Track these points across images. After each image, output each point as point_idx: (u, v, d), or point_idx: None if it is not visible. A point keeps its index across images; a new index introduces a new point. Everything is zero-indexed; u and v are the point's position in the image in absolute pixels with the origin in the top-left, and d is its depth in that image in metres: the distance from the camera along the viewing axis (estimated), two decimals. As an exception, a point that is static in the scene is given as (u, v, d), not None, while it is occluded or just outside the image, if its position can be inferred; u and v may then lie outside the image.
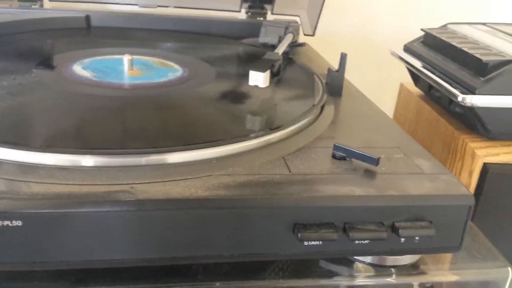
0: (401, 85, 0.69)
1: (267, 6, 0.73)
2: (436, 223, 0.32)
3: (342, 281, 0.36)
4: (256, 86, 0.49)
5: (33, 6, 0.66)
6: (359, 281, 0.36)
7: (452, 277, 0.38)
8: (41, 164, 0.31)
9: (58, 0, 0.67)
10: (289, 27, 0.66)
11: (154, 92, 0.43)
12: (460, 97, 0.47)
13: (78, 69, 0.47)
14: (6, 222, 0.27)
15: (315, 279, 0.35)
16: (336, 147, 0.36)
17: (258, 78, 0.45)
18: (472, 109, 0.48)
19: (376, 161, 0.34)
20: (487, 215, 0.50)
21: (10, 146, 0.31)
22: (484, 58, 0.48)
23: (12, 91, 0.42)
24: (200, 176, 0.31)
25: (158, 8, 0.69)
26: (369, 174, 0.34)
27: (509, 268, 0.38)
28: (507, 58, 0.48)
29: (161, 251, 0.30)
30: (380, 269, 0.37)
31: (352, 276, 0.36)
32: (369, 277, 0.36)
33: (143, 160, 0.32)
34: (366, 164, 0.35)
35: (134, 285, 0.32)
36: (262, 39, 0.66)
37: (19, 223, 0.27)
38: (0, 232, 0.27)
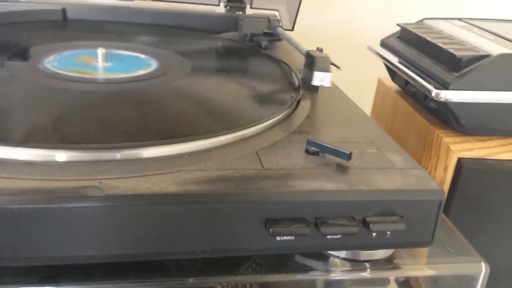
0: (379, 80, 0.69)
1: (246, 0, 0.72)
2: (407, 218, 0.33)
3: (318, 275, 0.36)
4: (232, 80, 0.49)
5: (7, -1, 0.64)
6: (335, 275, 0.36)
7: (427, 272, 0.38)
8: (7, 159, 0.30)
9: (33, -8, 0.66)
10: (271, 21, 0.66)
11: (128, 87, 0.43)
12: (434, 92, 0.47)
13: (51, 62, 0.46)
14: (-29, 218, 0.26)
15: (291, 274, 0.35)
16: (309, 142, 0.36)
17: (325, 78, 0.45)
18: (446, 104, 0.48)
19: (348, 156, 0.34)
20: (462, 210, 0.50)
21: (-24, 141, 0.31)
22: (458, 53, 0.48)
23: (-18, 84, 0.41)
24: (171, 171, 0.31)
25: (136, 1, 0.69)
26: (341, 169, 0.34)
27: (482, 263, 0.38)
28: (481, 53, 0.48)
29: (132, 247, 0.30)
30: (355, 263, 0.37)
31: (327, 271, 0.36)
32: (344, 271, 0.37)
33: (113, 155, 0.32)
34: (339, 159, 0.35)
35: (105, 281, 0.32)
36: (241, 32, 0.66)
37: (-16, 219, 0.27)
38: (-36, 228, 0.27)
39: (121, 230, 0.29)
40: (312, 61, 0.47)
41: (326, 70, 0.45)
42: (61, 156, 0.31)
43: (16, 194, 0.27)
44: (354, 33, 0.89)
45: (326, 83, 0.46)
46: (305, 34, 0.72)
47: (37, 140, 0.32)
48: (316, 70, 0.45)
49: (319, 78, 0.45)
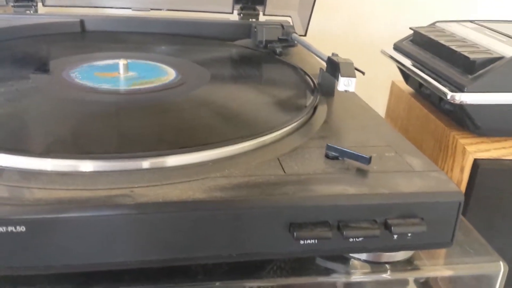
0: (393, 83, 0.70)
1: (259, 7, 0.73)
2: (428, 220, 0.33)
3: (338, 278, 0.37)
4: (250, 87, 0.50)
5: (27, 12, 0.66)
6: (355, 277, 0.37)
7: (446, 272, 0.39)
8: (43, 170, 0.31)
9: (52, 5, 0.67)
10: (284, 27, 0.67)
11: (150, 97, 0.44)
12: (449, 95, 0.48)
13: (75, 74, 0.48)
14: (10, 228, 0.28)
15: (312, 277, 0.36)
16: (328, 147, 0.37)
17: (349, 83, 0.46)
18: (461, 107, 0.49)
19: (368, 160, 0.35)
20: (479, 210, 0.51)
21: (11, 152, 0.32)
22: (472, 56, 0.49)
23: (10, 97, 0.42)
24: (197, 178, 0.32)
25: (151, 11, 0.70)
26: (361, 173, 0.35)
27: (501, 263, 0.39)
28: (494, 55, 0.49)
29: (161, 253, 0.31)
30: (376, 265, 0.38)
31: (348, 273, 0.37)
32: (365, 273, 0.37)
33: (142, 164, 0.33)
34: (358, 163, 0.36)
35: (135, 286, 0.33)
36: (255, 39, 0.67)
37: (22, 228, 0.28)
38: (4, 237, 0.28)
39: (151, 237, 0.30)
40: (335, 67, 0.47)
41: (351, 75, 0.46)
42: (92, 166, 0.32)
43: (52, 204, 0.29)
44: (365, 36, 0.90)
45: (351, 88, 0.46)
46: (316, 38, 0.72)
47: (69, 151, 0.33)
48: (341, 76, 0.46)
49: (344, 84, 0.46)
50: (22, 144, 0.35)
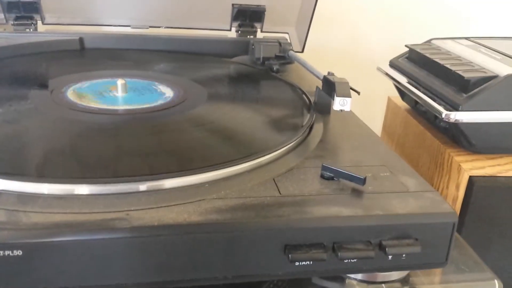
0: (389, 99, 0.70)
1: (257, 24, 0.74)
2: (422, 240, 0.34)
3: (335, 297, 0.37)
4: (246, 106, 0.51)
5: (27, 30, 0.67)
6: (352, 297, 0.37)
7: (441, 290, 0.39)
8: (39, 194, 0.32)
9: (52, 23, 0.68)
10: (282, 44, 0.68)
11: (147, 117, 0.45)
12: (444, 114, 0.48)
13: (73, 94, 0.48)
14: (7, 252, 0.28)
15: (308, 296, 0.37)
16: (324, 168, 0.37)
17: (345, 103, 0.46)
18: (456, 125, 0.49)
19: (362, 181, 0.36)
20: (474, 228, 0.51)
21: (8, 177, 0.32)
22: (466, 75, 0.49)
23: (8, 118, 0.43)
24: (193, 200, 0.33)
25: (150, 28, 0.71)
26: (356, 194, 0.35)
27: (496, 281, 0.39)
28: (489, 74, 0.49)
29: (157, 275, 0.31)
30: (371, 284, 0.38)
31: (344, 293, 0.37)
32: (361, 293, 0.38)
33: (138, 187, 0.33)
34: (354, 183, 0.36)
35: (131, 308, 0.33)
36: (253, 56, 0.67)
37: (19, 252, 0.28)
38: (1, 262, 0.28)
39: (147, 259, 0.30)
40: (331, 86, 0.48)
41: (347, 95, 0.46)
42: (88, 189, 0.32)
43: (48, 228, 0.29)
44: (362, 51, 0.90)
45: (347, 108, 0.47)
46: (313, 54, 0.73)
47: (66, 175, 0.34)
48: (336, 96, 0.46)
49: (340, 103, 0.46)
50: (19, 168, 0.35)
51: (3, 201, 0.31)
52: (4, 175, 0.32)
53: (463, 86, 0.50)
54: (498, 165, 0.51)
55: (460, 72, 0.50)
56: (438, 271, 0.41)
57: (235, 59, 0.68)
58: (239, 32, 0.74)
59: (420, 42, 0.65)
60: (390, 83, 0.65)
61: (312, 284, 0.38)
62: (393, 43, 0.82)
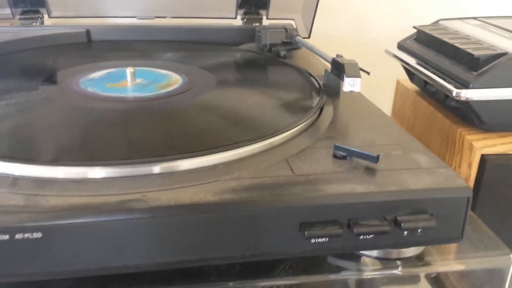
0: (398, 82, 0.70)
1: (262, 12, 0.74)
2: (437, 215, 0.34)
3: (350, 275, 0.37)
4: (256, 90, 0.51)
5: (33, 24, 0.67)
6: (367, 274, 0.37)
7: (456, 267, 0.39)
8: (56, 178, 0.32)
9: (58, 16, 0.68)
10: (288, 30, 0.68)
11: (159, 103, 0.45)
12: (455, 92, 0.48)
13: (83, 83, 0.48)
14: (27, 235, 0.28)
15: (324, 275, 0.37)
16: (336, 147, 0.37)
17: (355, 84, 0.46)
18: (467, 103, 0.49)
19: (376, 159, 0.36)
20: (487, 205, 0.51)
21: (25, 162, 0.33)
22: (476, 53, 0.49)
23: (22, 108, 0.43)
24: (208, 181, 0.33)
25: (156, 19, 0.71)
26: (370, 171, 0.35)
27: (511, 256, 0.39)
28: (498, 51, 0.49)
29: (174, 255, 0.31)
30: (386, 262, 0.38)
31: (359, 270, 0.38)
32: (376, 270, 0.38)
33: (153, 169, 0.33)
34: (366, 162, 0.36)
35: (150, 288, 0.34)
36: (260, 43, 0.67)
37: (39, 234, 0.28)
38: (21, 244, 0.28)
39: (164, 239, 0.31)
40: (340, 68, 0.48)
41: (356, 75, 0.46)
42: (104, 172, 0.33)
43: (66, 210, 0.29)
44: (367, 36, 0.90)
45: (357, 89, 0.46)
46: (319, 40, 0.73)
47: (82, 159, 0.34)
48: (346, 76, 0.46)
49: (350, 84, 0.46)
50: (35, 153, 0.36)
51: (21, 186, 0.31)
52: (20, 160, 0.33)
53: (473, 64, 0.50)
54: (510, 142, 0.51)
55: (469, 50, 0.50)
56: (453, 248, 0.41)
57: (241, 46, 0.68)
58: (245, 20, 0.74)
59: (427, 23, 0.64)
60: (397, 67, 0.64)
61: (327, 263, 0.38)
62: (397, 27, 0.82)
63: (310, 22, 0.73)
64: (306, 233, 0.32)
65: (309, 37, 0.73)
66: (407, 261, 0.38)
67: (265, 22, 0.74)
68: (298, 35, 0.67)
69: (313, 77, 0.54)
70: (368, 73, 0.48)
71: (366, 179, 0.34)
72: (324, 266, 0.37)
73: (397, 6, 0.90)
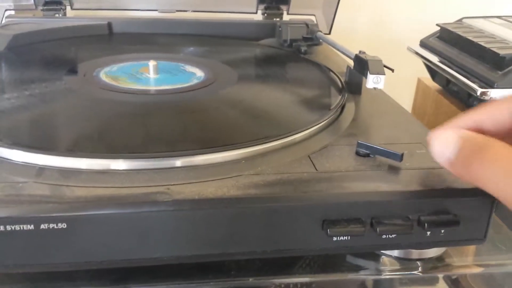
0: (419, 80, 0.70)
1: (283, 7, 0.74)
2: (461, 216, 0.33)
3: (369, 275, 0.37)
4: (278, 86, 0.51)
5: (56, 15, 0.67)
6: (386, 274, 0.37)
7: (477, 269, 0.39)
8: (81, 169, 0.32)
9: (80, 8, 0.69)
10: (309, 25, 0.67)
11: (182, 96, 0.45)
12: (479, 91, 0.48)
13: (105, 76, 0.48)
14: (52, 225, 0.28)
15: (342, 274, 0.37)
16: (359, 145, 0.37)
17: (379, 81, 0.46)
18: (491, 103, 0.49)
19: (400, 157, 0.35)
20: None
21: (51, 152, 0.33)
22: (502, 52, 0.49)
23: (46, 98, 0.43)
24: (231, 176, 0.33)
25: (177, 12, 0.71)
26: (394, 170, 0.35)
27: (535, 259, 0.39)
28: (525, 51, 0.48)
29: (197, 249, 0.31)
30: (406, 262, 0.38)
31: (378, 270, 0.37)
32: (395, 270, 0.37)
33: (177, 162, 0.33)
34: (390, 160, 0.36)
35: (171, 282, 0.34)
36: (280, 38, 0.67)
37: (64, 225, 0.29)
38: (46, 234, 0.29)
39: (187, 233, 0.31)
40: (364, 64, 0.47)
41: (380, 72, 0.46)
42: (129, 165, 0.33)
43: (92, 201, 0.29)
44: (386, 34, 0.89)
45: (380, 86, 0.46)
46: (339, 36, 0.72)
47: (107, 151, 0.34)
48: (370, 73, 0.46)
49: (374, 81, 0.46)
50: (59, 144, 0.36)
51: (47, 176, 0.31)
52: (46, 151, 0.33)
53: (498, 63, 0.49)
54: (534, 143, 0.50)
55: (494, 49, 0.49)
56: (472, 250, 0.40)
57: (262, 42, 0.68)
58: (265, 14, 0.74)
59: (448, 22, 0.63)
60: (417, 65, 0.64)
61: (346, 262, 0.38)
62: (420, 23, 0.81)
63: (331, 18, 0.72)
64: (328, 230, 0.32)
65: (329, 33, 0.73)
66: (428, 262, 0.38)
67: (286, 17, 0.74)
68: (319, 31, 0.67)
69: (335, 73, 0.54)
70: (392, 70, 0.48)
71: (390, 177, 0.34)
72: (342, 264, 0.37)
73: (418, 3, 0.89)
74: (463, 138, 0.30)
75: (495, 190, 0.28)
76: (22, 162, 0.33)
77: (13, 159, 0.33)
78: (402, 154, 0.35)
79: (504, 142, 0.29)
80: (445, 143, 0.30)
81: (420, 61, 0.62)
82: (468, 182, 0.30)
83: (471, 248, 0.40)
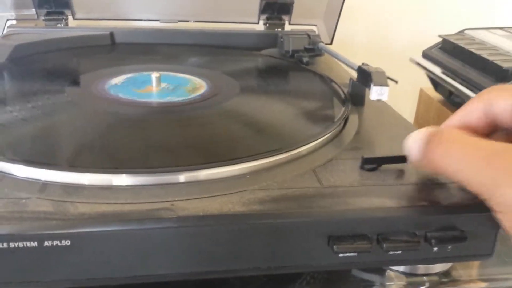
0: (421, 91, 0.69)
1: (285, 17, 0.74)
2: (468, 232, 0.33)
3: (375, 290, 0.37)
4: (281, 98, 0.51)
5: (58, 25, 0.67)
6: (393, 289, 0.37)
7: (483, 284, 0.39)
8: (84, 185, 0.32)
9: (82, 18, 0.69)
10: (311, 36, 0.67)
11: (184, 109, 0.45)
12: (483, 104, 0.47)
13: (109, 87, 0.48)
14: (56, 242, 0.28)
15: (347, 288, 0.36)
16: (364, 160, 0.37)
17: (383, 92, 0.46)
18: (495, 115, 0.48)
19: (405, 159, 0.35)
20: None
21: (53, 168, 0.32)
22: (504, 65, 0.49)
23: (48, 111, 0.43)
24: (236, 191, 0.32)
25: (179, 23, 0.71)
26: (399, 185, 0.35)
27: (541, 273, 0.38)
28: (528, 64, 0.48)
29: (201, 265, 0.31)
30: (413, 277, 0.37)
31: (383, 285, 0.37)
32: (401, 285, 0.37)
33: (180, 177, 0.33)
34: (395, 175, 0.36)
35: (175, 298, 0.33)
36: (282, 49, 0.67)
37: (67, 242, 0.28)
38: (49, 251, 0.28)
39: (192, 249, 0.30)
40: (367, 76, 0.47)
41: (384, 84, 0.46)
42: (133, 180, 0.32)
43: (96, 218, 0.29)
44: (387, 45, 0.89)
45: (384, 97, 0.46)
46: (339, 47, 0.72)
47: (110, 166, 0.34)
48: (374, 85, 0.46)
49: (377, 93, 0.46)
50: (61, 159, 0.36)
51: (50, 192, 0.31)
52: (48, 166, 0.33)
53: (501, 76, 0.49)
54: (538, 156, 0.50)
55: (497, 62, 0.49)
56: (479, 263, 0.40)
57: (263, 52, 0.68)
58: (267, 25, 0.74)
59: (449, 33, 0.63)
60: (418, 76, 0.64)
61: (351, 276, 0.37)
62: (421, 33, 0.81)
63: (332, 28, 0.72)
64: (334, 247, 0.31)
65: (331, 43, 0.73)
66: (434, 277, 0.38)
67: (287, 27, 0.74)
68: (321, 42, 0.67)
69: (338, 85, 0.54)
70: (396, 81, 0.48)
71: (396, 193, 0.34)
72: (347, 279, 0.37)
73: (418, 14, 0.89)
74: (428, 131, 0.32)
75: (453, 172, 0.30)
76: (24, 177, 0.33)
77: (16, 174, 0.33)
78: (406, 156, 0.35)
79: (497, 137, 0.32)
80: (414, 138, 0.33)
81: (421, 72, 0.62)
82: (433, 171, 0.32)
83: (478, 261, 0.40)
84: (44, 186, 0.32)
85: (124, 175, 0.33)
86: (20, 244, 0.27)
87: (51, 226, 0.28)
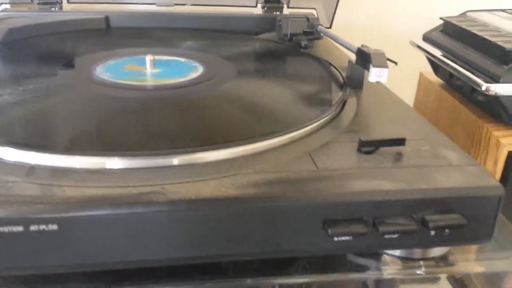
0: (421, 75, 0.68)
1: (283, 0, 0.72)
2: (466, 215, 0.32)
3: (370, 275, 0.36)
4: (278, 81, 0.50)
5: (52, 9, 0.66)
6: (388, 274, 0.36)
7: (481, 268, 0.38)
8: (73, 168, 0.31)
9: (77, 2, 0.67)
10: (310, 19, 0.66)
11: (178, 92, 0.44)
12: (484, 86, 0.47)
13: (102, 70, 0.47)
14: (42, 227, 0.27)
15: (343, 273, 0.36)
16: (362, 143, 0.36)
17: (382, 74, 0.45)
18: (496, 98, 0.47)
19: (403, 141, 0.35)
20: (513, 204, 0.49)
21: (42, 150, 0.32)
22: (507, 46, 0.47)
23: (40, 94, 0.42)
24: (229, 174, 0.32)
25: (175, 6, 0.70)
26: (397, 167, 0.34)
27: (540, 257, 0.38)
28: (531, 45, 0.47)
29: (194, 250, 0.30)
30: (409, 261, 0.37)
31: (380, 270, 0.36)
32: (397, 269, 0.36)
33: (172, 160, 0.32)
34: (393, 158, 0.35)
35: (167, 283, 0.33)
36: (280, 33, 0.66)
37: (54, 227, 0.28)
38: (36, 236, 0.28)
39: (183, 234, 0.30)
40: (366, 57, 0.46)
41: (383, 65, 0.45)
42: (122, 163, 0.32)
43: (84, 202, 0.28)
44: (387, 28, 0.88)
45: (383, 79, 0.45)
46: (339, 30, 0.71)
47: (100, 149, 0.33)
48: (373, 66, 0.45)
49: (376, 74, 0.44)
50: (52, 142, 0.35)
51: (37, 175, 0.30)
52: (37, 148, 0.32)
53: (504, 57, 0.48)
54: (540, 139, 0.49)
55: (500, 43, 0.48)
56: (476, 248, 0.39)
57: (261, 36, 0.67)
58: (265, 8, 0.73)
59: (450, 15, 0.62)
60: (418, 60, 0.63)
61: (347, 261, 0.37)
62: (420, 18, 0.80)
63: (332, 11, 0.71)
64: (329, 230, 0.31)
65: (330, 27, 0.71)
66: (431, 261, 0.37)
67: (286, 11, 0.73)
68: (320, 25, 0.66)
69: (336, 68, 0.53)
70: (395, 63, 0.47)
71: (394, 175, 0.33)
72: (343, 263, 0.36)
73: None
74: None
75: None
76: (13, 161, 0.32)
77: (4, 157, 0.32)
78: (404, 139, 0.35)
79: None
80: None
81: (421, 56, 0.61)
82: None
83: (475, 246, 0.39)
84: (32, 169, 0.31)
85: (116, 158, 0.32)
86: (6, 229, 0.27)
87: (37, 210, 0.27)
